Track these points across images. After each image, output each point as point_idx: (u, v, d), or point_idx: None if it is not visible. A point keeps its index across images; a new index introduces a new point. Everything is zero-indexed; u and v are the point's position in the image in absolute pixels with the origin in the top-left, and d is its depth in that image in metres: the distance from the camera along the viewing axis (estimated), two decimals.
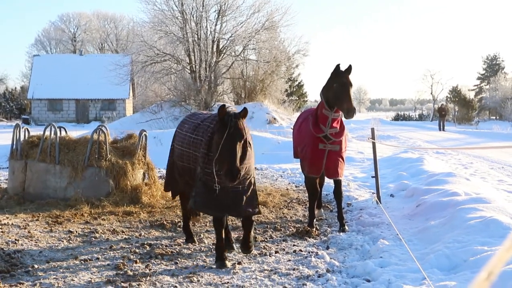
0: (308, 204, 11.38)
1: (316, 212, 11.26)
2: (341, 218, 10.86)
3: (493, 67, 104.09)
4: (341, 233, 10.36)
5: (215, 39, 48.67)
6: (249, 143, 8.18)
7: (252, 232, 8.77)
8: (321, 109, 10.23)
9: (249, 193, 8.41)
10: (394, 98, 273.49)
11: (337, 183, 11.03)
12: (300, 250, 9.20)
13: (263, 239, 9.95)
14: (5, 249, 8.98)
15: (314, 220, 10.94)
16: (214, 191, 8.10)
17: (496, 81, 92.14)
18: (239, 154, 7.59)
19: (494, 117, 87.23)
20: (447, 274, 7.29)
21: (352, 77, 10.05)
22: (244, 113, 7.86)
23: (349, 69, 10.12)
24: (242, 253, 8.87)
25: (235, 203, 8.30)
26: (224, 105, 7.81)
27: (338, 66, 10.11)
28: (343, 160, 10.80)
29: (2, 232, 10.21)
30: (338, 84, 9.89)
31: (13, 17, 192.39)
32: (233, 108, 8.21)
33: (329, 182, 11.55)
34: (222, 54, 49.00)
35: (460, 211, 9.79)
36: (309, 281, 7.60)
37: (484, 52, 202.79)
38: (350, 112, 9.75)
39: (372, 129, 14.19)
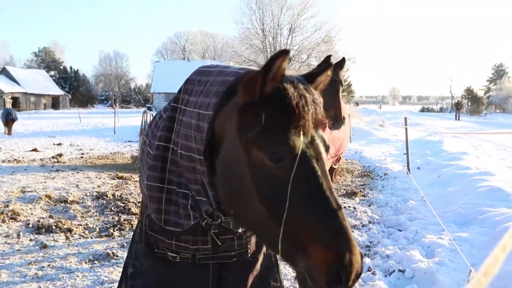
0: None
1: None
2: None
3: (499, 72, 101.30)
4: (380, 195, 10.26)
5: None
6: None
7: None
8: None
9: (256, 266, 2.45)
10: (421, 95, 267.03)
11: None
12: (349, 206, 9.19)
13: None
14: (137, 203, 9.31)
15: None
16: (173, 267, 2.32)
17: (501, 82, 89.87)
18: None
19: (498, 111, 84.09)
20: (461, 227, 7.18)
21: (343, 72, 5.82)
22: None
23: (341, 63, 5.17)
24: None
25: None
26: (286, 51, 1.68)
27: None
28: None
29: (135, 186, 10.60)
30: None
31: (141, 35, 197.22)
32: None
33: (366, 155, 10.86)
34: (291, 61, 49.06)
35: (472, 181, 9.60)
36: (356, 229, 7.61)
37: (493, 61, 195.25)
38: (337, 121, 5.05)
39: (405, 118, 13.97)
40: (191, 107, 2.08)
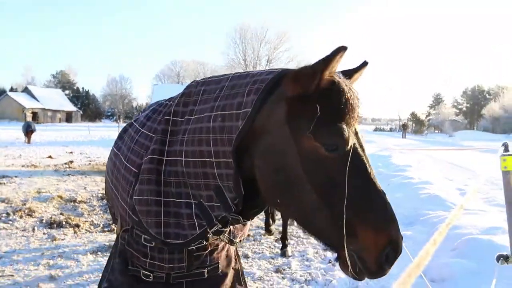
0: None
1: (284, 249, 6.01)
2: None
3: (438, 100, 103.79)
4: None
5: None
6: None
7: None
8: None
9: (226, 282, 2.05)
10: (374, 117, 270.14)
11: None
12: None
13: None
14: None
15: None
16: (146, 286, 1.89)
17: (439, 108, 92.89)
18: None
19: (437, 131, 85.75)
20: (406, 227, 7.22)
21: None
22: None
23: None
24: None
25: None
26: (345, 47, 1.43)
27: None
28: None
29: None
30: None
31: (143, 61, 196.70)
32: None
33: None
34: None
35: (415, 189, 9.73)
36: None
37: (492, 61, 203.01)
38: None
39: (362, 136, 14.08)
40: (203, 113, 1.73)
